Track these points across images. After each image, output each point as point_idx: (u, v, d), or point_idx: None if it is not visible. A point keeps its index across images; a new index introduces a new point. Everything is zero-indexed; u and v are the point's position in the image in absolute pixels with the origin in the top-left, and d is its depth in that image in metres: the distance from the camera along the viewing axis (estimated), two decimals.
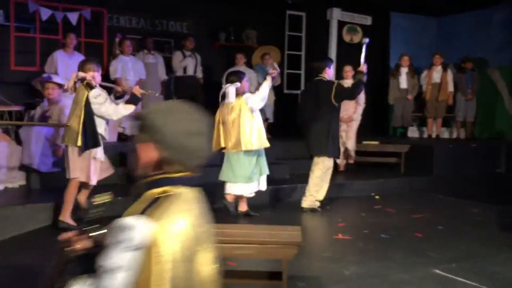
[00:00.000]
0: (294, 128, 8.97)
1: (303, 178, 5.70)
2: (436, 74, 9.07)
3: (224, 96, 5.11)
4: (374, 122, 9.63)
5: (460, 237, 4.61)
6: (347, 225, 5.00)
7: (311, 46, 9.61)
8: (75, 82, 4.53)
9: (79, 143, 4.35)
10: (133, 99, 4.56)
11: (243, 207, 5.21)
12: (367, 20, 9.60)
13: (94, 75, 4.53)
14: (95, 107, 4.40)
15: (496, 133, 9.25)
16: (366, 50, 5.85)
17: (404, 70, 9.02)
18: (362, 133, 7.93)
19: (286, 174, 6.80)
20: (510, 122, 9.08)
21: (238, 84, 5.02)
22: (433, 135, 9.14)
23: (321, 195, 5.46)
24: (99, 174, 4.65)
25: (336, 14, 9.08)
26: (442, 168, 7.53)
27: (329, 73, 5.76)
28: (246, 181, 5.00)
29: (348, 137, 7.46)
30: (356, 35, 9.76)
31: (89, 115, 4.37)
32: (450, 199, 6.49)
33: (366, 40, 5.86)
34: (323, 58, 6.35)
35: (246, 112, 4.99)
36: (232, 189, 5.08)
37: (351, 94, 5.65)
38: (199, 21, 8.78)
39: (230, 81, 5.10)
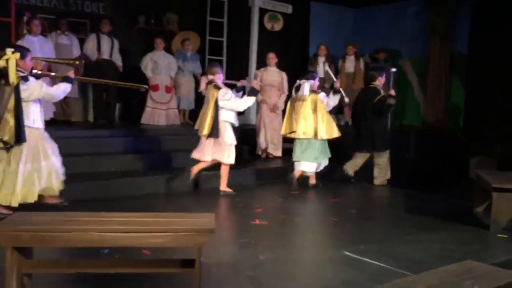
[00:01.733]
0: None
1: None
2: (349, 64, 9.43)
3: (297, 89, 6.18)
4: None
5: (371, 220, 4.84)
6: (265, 211, 5.08)
7: (233, 33, 9.59)
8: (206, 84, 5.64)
9: (206, 131, 5.45)
10: (252, 92, 5.70)
11: (312, 180, 6.32)
12: (288, 9, 9.73)
13: (219, 77, 5.63)
14: (224, 103, 5.43)
15: (407, 121, 9.79)
16: (393, 77, 6.98)
17: (321, 60, 9.27)
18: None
19: None
20: (419, 111, 9.63)
21: (312, 81, 6.15)
22: (350, 123, 9.50)
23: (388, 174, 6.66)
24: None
25: (257, 1, 9.11)
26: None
27: (381, 81, 6.71)
28: (312, 161, 6.08)
29: (273, 127, 7.52)
30: (277, 23, 9.87)
31: (216, 111, 5.43)
32: (364, 184, 6.79)
33: (394, 69, 7.13)
34: (377, 68, 7.18)
35: (322, 107, 6.08)
36: (301, 167, 6.13)
37: (380, 110, 6.52)
38: (117, 2, 8.46)
39: (306, 77, 6.18)
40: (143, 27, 8.71)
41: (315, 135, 6.04)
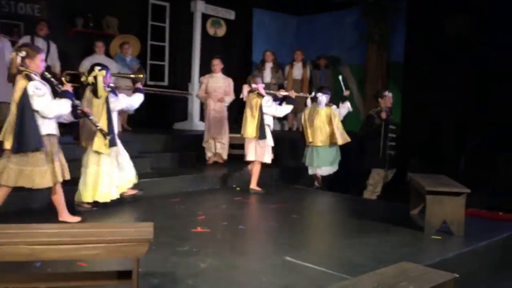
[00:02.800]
0: (158, 120, 8.88)
1: (164, 172, 6.09)
2: (297, 70, 9.58)
3: (313, 100, 7.03)
4: (241, 116, 9.82)
5: (312, 225, 4.90)
6: (207, 218, 5.03)
7: (175, 38, 9.49)
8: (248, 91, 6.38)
9: (255, 134, 6.20)
10: (290, 101, 6.43)
11: (317, 182, 7.10)
12: (231, 15, 9.75)
13: (261, 86, 6.40)
14: (267, 109, 6.25)
15: (347, 127, 10.00)
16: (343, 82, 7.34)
17: (268, 65, 9.36)
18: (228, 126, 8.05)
19: (147, 168, 6.63)
20: (359, 117, 9.89)
21: (327, 95, 6.96)
22: (294, 128, 9.64)
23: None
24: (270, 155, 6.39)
25: (200, 7, 9.07)
26: (300, 160, 7.93)
27: (382, 102, 7.02)
28: (329, 165, 6.88)
29: (220, 133, 7.44)
30: (220, 28, 9.87)
31: (262, 116, 6.19)
32: (306, 189, 6.88)
33: (340, 77, 7.45)
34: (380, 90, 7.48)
35: (336, 117, 6.96)
36: (319, 171, 6.94)
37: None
38: (53, 4, 8.15)
39: (322, 91, 7.00)
40: (81, 30, 8.44)
41: (331, 142, 6.89)
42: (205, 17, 9.48)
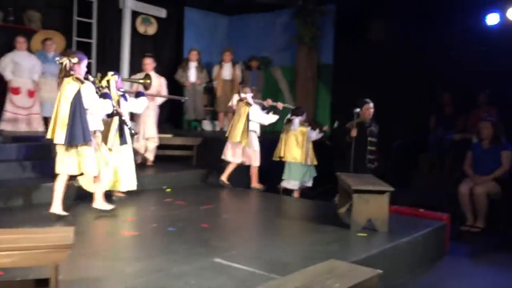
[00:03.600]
0: None
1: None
2: (227, 71, 9.54)
3: (288, 121, 7.14)
4: (170, 115, 9.69)
5: (243, 225, 4.89)
6: (136, 220, 4.90)
7: (103, 35, 9.18)
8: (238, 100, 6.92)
9: (239, 139, 6.75)
10: (277, 112, 7.08)
11: (296, 194, 7.03)
12: (162, 13, 9.58)
13: (250, 95, 6.92)
14: (254, 117, 6.83)
15: (279, 128, 10.13)
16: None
17: (193, 64, 9.26)
18: (158, 126, 7.88)
19: None
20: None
21: (301, 117, 7.08)
22: (225, 129, 9.60)
23: None
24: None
25: (129, 4, 8.83)
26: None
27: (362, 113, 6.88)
28: (299, 180, 6.98)
29: (149, 134, 7.26)
30: (151, 26, 9.66)
31: (247, 123, 6.78)
32: (237, 189, 6.88)
33: (358, 110, 6.85)
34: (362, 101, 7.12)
35: (308, 138, 7.07)
36: (288, 184, 7.02)
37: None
38: None
39: (295, 113, 7.09)
40: (0, 25, 7.94)
41: (304, 161, 7.01)
42: (135, 14, 9.24)
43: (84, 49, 8.92)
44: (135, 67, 7.90)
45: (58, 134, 4.65)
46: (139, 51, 8.90)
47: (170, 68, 9.63)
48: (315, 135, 7.27)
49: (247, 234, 4.56)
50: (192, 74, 9.20)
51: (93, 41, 8.99)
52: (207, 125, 9.93)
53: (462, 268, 4.93)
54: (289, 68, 10.20)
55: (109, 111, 5.03)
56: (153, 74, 7.31)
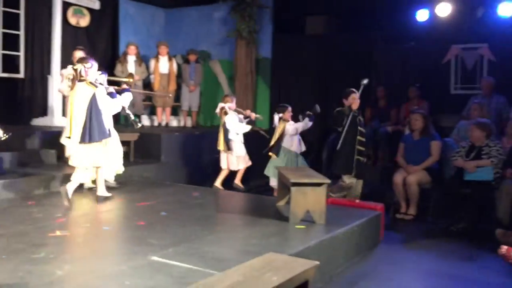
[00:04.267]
0: (13, 116, 8.10)
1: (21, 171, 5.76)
2: (163, 64, 9.34)
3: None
4: None
5: (181, 222, 4.79)
6: (67, 220, 4.69)
7: (32, 26, 8.73)
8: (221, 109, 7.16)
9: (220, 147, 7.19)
10: (250, 122, 7.38)
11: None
12: (95, 4, 9.25)
13: (230, 105, 7.19)
14: (230, 126, 7.11)
15: (217, 122, 10.08)
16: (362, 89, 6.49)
17: (131, 58, 9.02)
18: None
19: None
20: None
21: (281, 114, 6.90)
22: (163, 123, 9.43)
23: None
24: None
25: None
26: (169, 156, 7.80)
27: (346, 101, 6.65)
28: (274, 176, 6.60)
29: None
30: (83, 18, 9.29)
31: (225, 131, 7.10)
32: (176, 185, 6.77)
33: (365, 81, 6.50)
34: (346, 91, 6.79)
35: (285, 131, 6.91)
36: (273, 182, 6.88)
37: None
38: None
39: (277, 110, 7.02)
40: None
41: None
42: (66, 5, 8.85)
43: (11, 41, 8.48)
44: (67, 61, 7.56)
45: (75, 133, 5.27)
46: (71, 44, 8.54)
47: (106, 62, 9.32)
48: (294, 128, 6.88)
49: (185, 231, 4.47)
50: (130, 68, 8.95)
51: (21, 33, 8.53)
52: (145, 120, 9.71)
53: (396, 254, 5.10)
54: (228, 62, 10.15)
55: (119, 110, 5.59)
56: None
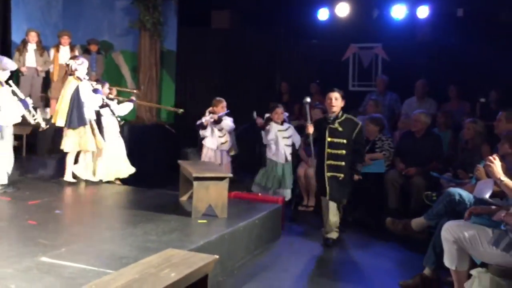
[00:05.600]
0: None
1: None
2: (64, 55, 8.82)
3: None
4: None
5: (77, 220, 4.59)
6: None
7: None
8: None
9: None
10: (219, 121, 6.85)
11: None
12: None
13: (217, 109, 6.80)
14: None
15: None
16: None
17: (31, 47, 8.42)
18: None
19: None
20: (134, 108, 9.73)
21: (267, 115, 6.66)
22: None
23: None
24: None
25: None
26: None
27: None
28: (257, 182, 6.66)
29: None
30: None
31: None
32: (73, 181, 6.42)
33: (308, 99, 5.43)
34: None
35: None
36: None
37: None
38: None
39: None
40: None
41: None
42: None
43: None
44: None
45: (59, 119, 6.10)
46: None
47: None
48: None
49: (80, 229, 4.26)
50: (31, 57, 8.35)
51: None
52: (39, 113, 9.11)
53: (295, 246, 5.25)
54: (131, 54, 9.85)
55: (100, 103, 6.29)
56: None
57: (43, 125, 6.03)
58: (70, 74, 6.22)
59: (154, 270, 3.02)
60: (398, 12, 8.43)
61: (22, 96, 5.84)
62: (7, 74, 5.65)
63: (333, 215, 5.19)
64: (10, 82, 5.74)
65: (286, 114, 6.96)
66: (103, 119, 6.57)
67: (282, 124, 6.65)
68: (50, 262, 3.42)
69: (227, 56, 9.51)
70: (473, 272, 3.37)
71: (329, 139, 5.14)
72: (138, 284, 2.80)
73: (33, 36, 8.46)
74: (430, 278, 4.02)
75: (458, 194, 4.06)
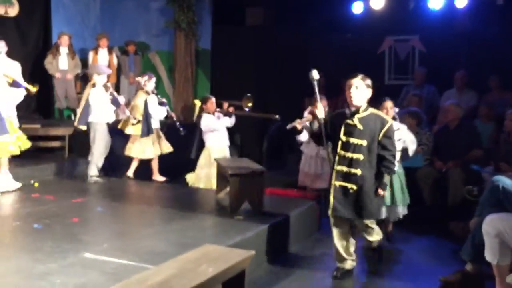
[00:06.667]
0: None
1: None
2: (103, 57, 9.06)
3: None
4: (39, 105, 9.00)
5: (116, 217, 4.70)
6: None
7: None
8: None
9: None
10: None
11: None
12: None
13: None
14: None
15: None
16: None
17: (64, 50, 8.67)
18: (25, 116, 7.29)
19: None
20: (170, 104, 9.87)
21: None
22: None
23: None
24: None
25: None
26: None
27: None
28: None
29: None
30: (12, 7, 8.83)
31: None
32: (113, 179, 6.60)
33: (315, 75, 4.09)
34: None
35: None
36: None
37: None
38: None
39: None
40: None
41: None
42: None
43: None
44: None
45: (128, 128, 6.83)
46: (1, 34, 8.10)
47: (38, 54, 8.93)
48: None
49: (120, 226, 4.38)
50: (63, 60, 8.61)
51: None
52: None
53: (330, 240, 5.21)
54: (167, 54, 10.01)
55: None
56: (4, 59, 6.69)
57: (133, 121, 6.68)
58: (141, 89, 6.87)
59: (192, 266, 3.08)
60: (436, 3, 8.23)
61: (117, 96, 6.55)
62: (104, 78, 6.47)
63: (339, 238, 4.11)
64: (108, 84, 6.59)
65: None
66: None
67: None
68: (92, 258, 3.53)
69: (261, 53, 9.51)
70: None
71: (343, 138, 3.94)
72: (177, 279, 2.86)
73: (65, 39, 8.68)
74: (472, 273, 3.93)
75: (502, 182, 3.90)
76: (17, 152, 5.72)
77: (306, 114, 5.30)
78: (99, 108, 6.34)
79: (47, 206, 5.10)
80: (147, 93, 6.80)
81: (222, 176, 5.36)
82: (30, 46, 8.84)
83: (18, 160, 6.62)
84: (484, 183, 4.88)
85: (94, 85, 6.43)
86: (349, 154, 3.92)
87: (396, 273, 4.37)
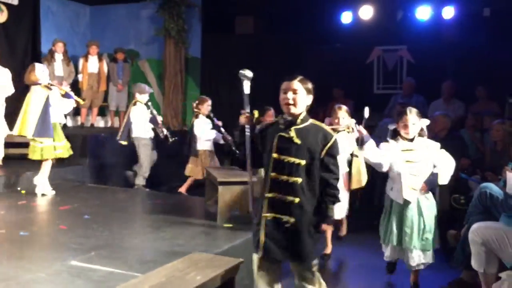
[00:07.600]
0: None
1: None
2: (93, 64, 9.05)
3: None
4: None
5: (105, 224, 4.66)
6: None
7: None
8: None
9: None
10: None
11: None
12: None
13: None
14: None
15: None
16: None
17: (59, 57, 8.65)
18: (10, 122, 7.21)
19: None
20: (159, 112, 9.86)
21: None
22: (88, 124, 9.14)
23: None
24: None
25: None
26: (95, 157, 7.56)
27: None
28: None
29: None
30: (0, 14, 8.79)
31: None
32: (101, 187, 6.57)
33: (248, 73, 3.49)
34: None
35: None
36: None
37: None
38: None
39: None
40: None
41: None
42: None
43: None
44: None
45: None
46: None
47: (26, 60, 8.86)
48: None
49: (108, 233, 4.34)
50: (58, 67, 8.58)
51: None
52: (69, 121, 9.34)
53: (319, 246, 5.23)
54: (157, 61, 10.01)
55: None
56: None
57: (170, 138, 6.93)
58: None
59: (180, 274, 3.07)
60: (423, 13, 8.34)
61: (156, 115, 6.93)
62: (146, 97, 6.94)
63: (264, 284, 3.07)
64: (149, 103, 6.99)
65: None
66: None
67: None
68: (80, 265, 3.50)
69: (251, 62, 9.50)
70: (503, 274, 3.31)
71: (275, 155, 2.99)
72: (165, 287, 2.86)
73: (60, 47, 8.68)
74: (468, 282, 3.94)
75: (490, 189, 3.93)
76: (65, 155, 5.98)
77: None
78: (141, 125, 6.78)
79: (34, 214, 5.05)
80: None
81: (212, 184, 5.35)
82: (19, 52, 8.78)
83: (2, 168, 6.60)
84: (471, 192, 4.92)
85: (135, 103, 6.84)
86: (284, 177, 2.95)
87: (392, 284, 4.38)
